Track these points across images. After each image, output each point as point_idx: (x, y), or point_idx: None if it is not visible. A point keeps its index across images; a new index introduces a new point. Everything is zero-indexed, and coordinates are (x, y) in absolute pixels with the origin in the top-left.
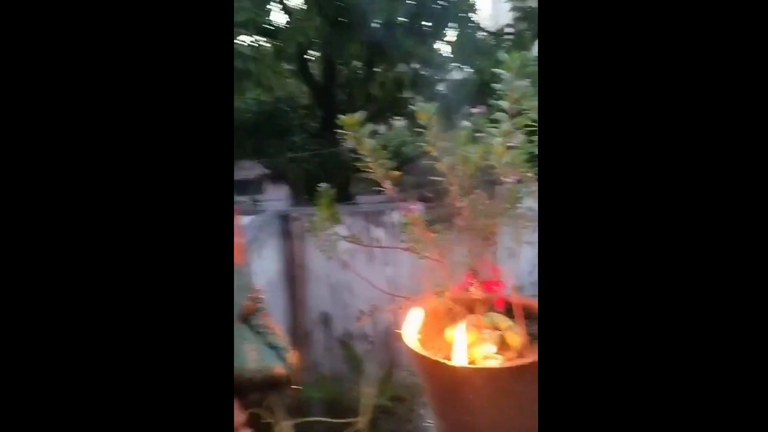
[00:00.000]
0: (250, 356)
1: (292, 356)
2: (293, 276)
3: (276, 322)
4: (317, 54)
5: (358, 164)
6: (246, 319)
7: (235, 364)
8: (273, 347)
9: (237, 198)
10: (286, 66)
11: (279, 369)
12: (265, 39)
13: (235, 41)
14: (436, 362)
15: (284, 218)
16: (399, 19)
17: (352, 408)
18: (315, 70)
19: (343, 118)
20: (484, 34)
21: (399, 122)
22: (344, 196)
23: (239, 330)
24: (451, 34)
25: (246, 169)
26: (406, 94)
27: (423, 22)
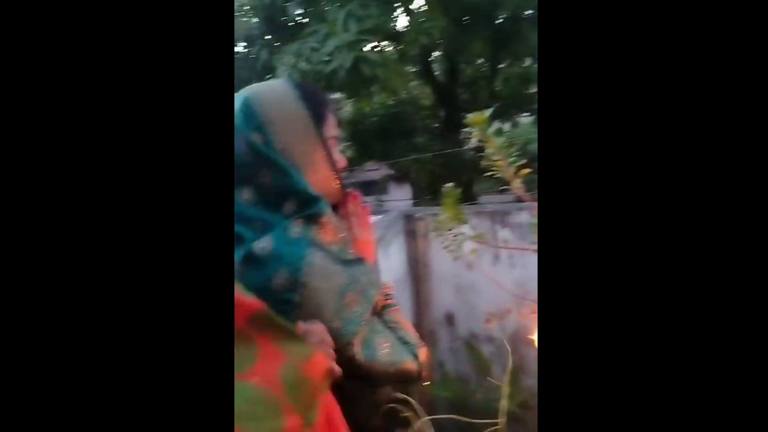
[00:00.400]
0: (383, 349)
1: (423, 353)
2: (418, 275)
3: (406, 320)
4: (439, 54)
5: (485, 163)
6: (378, 314)
7: (367, 357)
8: (404, 342)
9: (363, 198)
10: (410, 68)
11: (410, 364)
12: (388, 43)
13: (363, 48)
14: None
15: (409, 218)
16: (525, 12)
17: (476, 409)
18: (437, 70)
19: (469, 117)
20: None
21: (524, 119)
22: (468, 196)
23: (372, 323)
24: None
25: (371, 171)
26: (533, 90)
27: None
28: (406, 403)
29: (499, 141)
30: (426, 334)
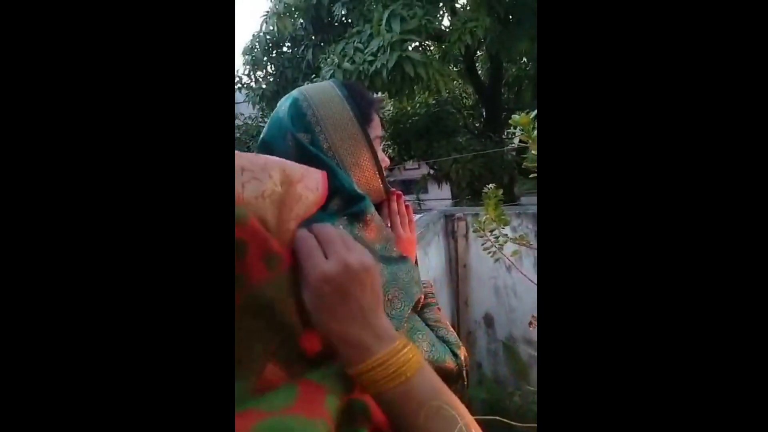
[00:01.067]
0: (422, 347)
1: (463, 352)
2: (457, 276)
3: (446, 319)
4: (482, 54)
5: (527, 165)
6: (419, 312)
7: None
8: (444, 341)
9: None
10: (453, 68)
11: (450, 363)
12: (431, 42)
13: (406, 48)
14: None
15: (449, 218)
16: None
17: (513, 412)
18: (480, 70)
19: (514, 117)
20: None
21: None
22: (509, 197)
23: (412, 320)
24: None
25: (411, 170)
26: None
27: None
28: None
29: None
30: (464, 335)
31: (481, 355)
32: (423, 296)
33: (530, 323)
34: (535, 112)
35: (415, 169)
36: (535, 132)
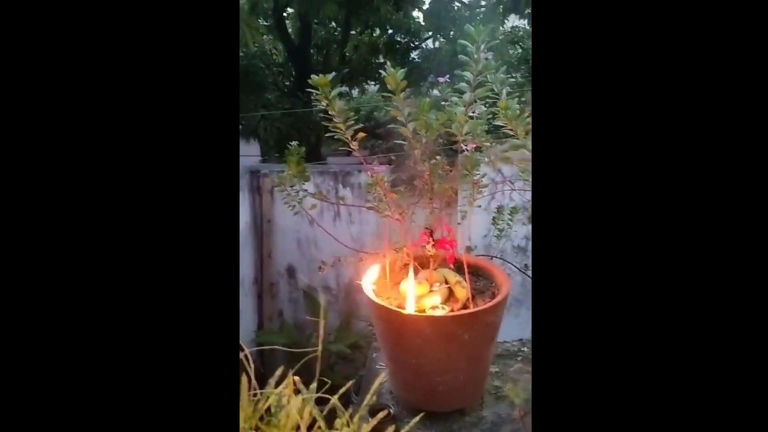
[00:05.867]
0: None
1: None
2: (261, 230)
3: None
4: (293, 12)
5: (328, 124)
6: None
7: None
8: None
9: None
10: (263, 22)
11: None
12: None
13: None
14: (389, 309)
15: (254, 174)
16: None
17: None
18: (290, 28)
19: (314, 78)
20: (459, 4)
21: (373, 87)
22: (315, 156)
23: None
24: (428, 2)
25: None
26: (381, 59)
27: None
28: None
29: (341, 105)
30: (267, 286)
31: (283, 304)
32: None
33: (320, 268)
34: (331, 75)
35: None
36: (333, 92)
